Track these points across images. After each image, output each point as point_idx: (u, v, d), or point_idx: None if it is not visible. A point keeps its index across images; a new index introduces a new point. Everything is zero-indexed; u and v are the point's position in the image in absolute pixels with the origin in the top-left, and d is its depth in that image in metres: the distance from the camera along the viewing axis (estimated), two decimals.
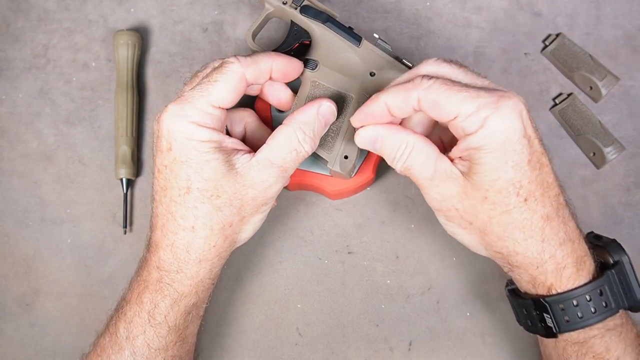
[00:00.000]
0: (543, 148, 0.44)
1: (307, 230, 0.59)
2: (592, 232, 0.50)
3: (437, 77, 0.43)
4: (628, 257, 0.45)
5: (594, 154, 0.59)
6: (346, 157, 0.51)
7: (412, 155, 0.45)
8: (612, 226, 0.58)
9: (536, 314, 0.46)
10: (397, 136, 0.45)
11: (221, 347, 0.57)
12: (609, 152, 0.58)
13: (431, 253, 0.58)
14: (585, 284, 0.44)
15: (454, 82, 0.43)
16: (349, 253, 0.58)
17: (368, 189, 0.59)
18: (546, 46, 0.61)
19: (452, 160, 0.45)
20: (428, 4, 0.63)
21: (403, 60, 0.51)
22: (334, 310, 0.57)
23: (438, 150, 0.45)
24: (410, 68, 0.51)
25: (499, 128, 0.41)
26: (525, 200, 0.43)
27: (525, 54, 0.61)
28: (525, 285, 0.46)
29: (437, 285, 0.57)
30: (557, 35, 0.61)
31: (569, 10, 0.62)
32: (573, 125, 0.59)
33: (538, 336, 0.49)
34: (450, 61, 0.45)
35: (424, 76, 0.43)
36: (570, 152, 0.59)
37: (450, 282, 0.57)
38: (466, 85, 0.43)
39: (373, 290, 0.57)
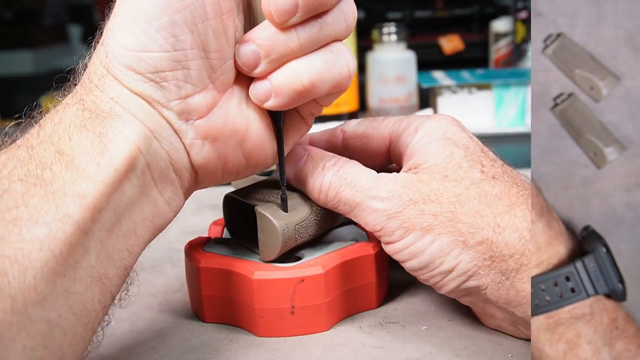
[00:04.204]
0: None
1: None
2: (587, 226, 0.52)
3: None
4: (605, 248, 0.47)
5: (595, 154, 0.58)
6: None
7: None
8: (613, 227, 0.57)
9: None
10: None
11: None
12: (610, 152, 0.58)
13: None
14: (551, 270, 0.47)
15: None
16: None
17: None
18: (546, 46, 0.61)
19: None
20: None
21: None
22: None
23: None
24: None
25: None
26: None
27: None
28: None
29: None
30: (558, 35, 0.61)
31: (570, 10, 0.62)
32: (574, 126, 0.59)
33: None
34: None
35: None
36: (571, 152, 0.59)
37: None
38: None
39: None
